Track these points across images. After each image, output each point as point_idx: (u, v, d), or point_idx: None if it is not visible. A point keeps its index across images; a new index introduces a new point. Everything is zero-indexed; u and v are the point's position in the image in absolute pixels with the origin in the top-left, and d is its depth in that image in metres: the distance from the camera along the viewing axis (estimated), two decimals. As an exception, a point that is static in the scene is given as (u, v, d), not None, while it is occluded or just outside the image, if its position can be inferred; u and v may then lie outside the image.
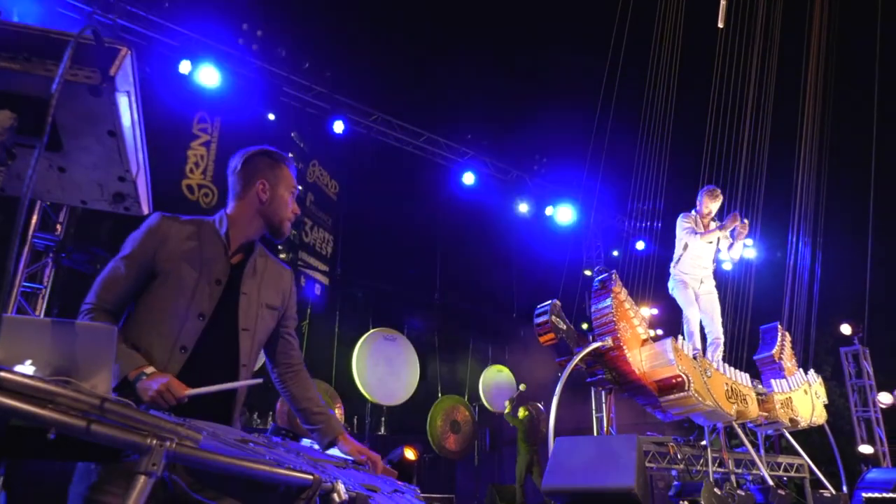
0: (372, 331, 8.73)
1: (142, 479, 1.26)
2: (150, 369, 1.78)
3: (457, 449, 9.71)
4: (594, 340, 5.16)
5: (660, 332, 6.23)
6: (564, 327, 5.06)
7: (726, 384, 5.41)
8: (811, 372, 6.47)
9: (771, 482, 5.20)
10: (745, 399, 5.46)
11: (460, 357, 10.31)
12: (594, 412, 9.53)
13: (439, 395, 9.62)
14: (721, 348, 6.31)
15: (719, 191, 6.36)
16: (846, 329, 9.42)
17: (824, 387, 6.65)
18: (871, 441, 8.99)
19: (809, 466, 5.98)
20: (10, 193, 1.27)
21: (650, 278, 7.55)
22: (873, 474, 6.54)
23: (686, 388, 4.88)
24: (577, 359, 4.91)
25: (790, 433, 6.13)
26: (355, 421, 8.75)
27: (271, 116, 8.54)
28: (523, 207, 10.94)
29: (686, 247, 6.21)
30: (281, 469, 1.55)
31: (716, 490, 4.40)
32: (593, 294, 5.33)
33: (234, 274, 2.03)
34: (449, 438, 9.55)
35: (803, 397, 6.09)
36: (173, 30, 7.77)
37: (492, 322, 10.87)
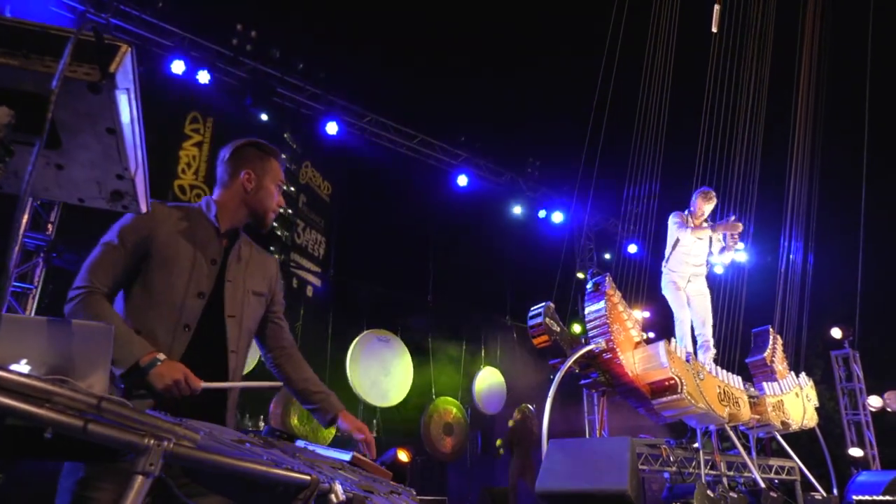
0: (365, 332, 8.71)
1: (139, 479, 1.25)
2: (162, 356, 1.77)
3: (450, 451, 9.71)
4: (587, 343, 5.17)
5: (651, 335, 6.25)
6: (558, 329, 5.07)
7: (719, 387, 5.43)
8: (802, 375, 6.50)
9: (763, 484, 5.22)
10: (737, 402, 5.48)
11: (453, 359, 10.30)
12: (586, 415, 9.54)
13: (433, 397, 9.61)
14: (712, 351, 6.34)
15: (713, 193, 6.38)
16: (836, 333, 9.48)
17: (815, 390, 6.69)
18: (860, 444, 9.05)
19: (800, 469, 6.01)
20: (7, 191, 1.26)
21: (642, 281, 7.57)
22: (863, 477, 6.59)
23: (679, 390, 4.90)
24: (570, 361, 4.92)
25: (781, 436, 6.16)
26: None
27: (264, 117, 8.52)
28: (516, 210, 10.95)
29: (676, 244, 6.22)
30: (279, 469, 1.54)
31: (708, 492, 4.41)
32: (587, 296, 5.34)
33: (225, 258, 2.04)
34: (442, 441, 9.53)
35: (794, 400, 6.12)
36: (167, 29, 7.74)
37: (484, 324, 10.87)
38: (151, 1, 7.55)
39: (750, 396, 5.75)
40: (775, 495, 5.04)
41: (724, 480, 5.28)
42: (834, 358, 9.56)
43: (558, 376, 4.92)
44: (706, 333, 6.08)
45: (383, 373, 8.60)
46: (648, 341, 5.50)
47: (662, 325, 7.40)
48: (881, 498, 5.98)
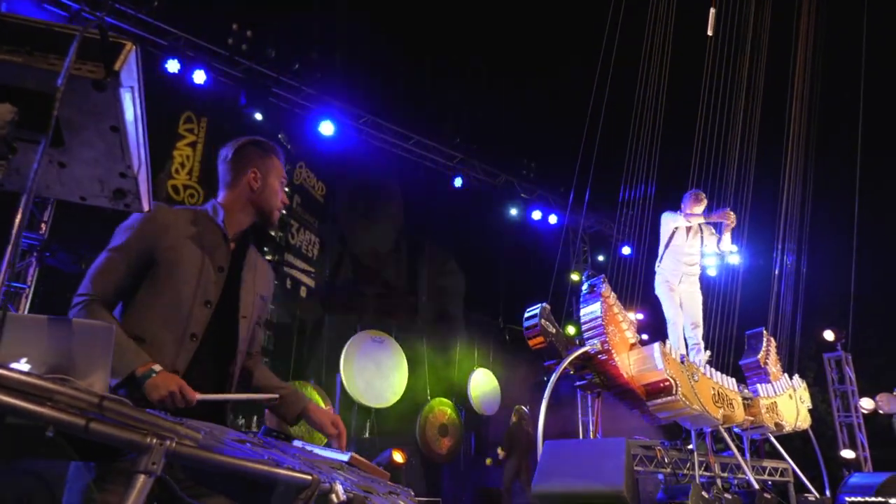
0: (359, 333, 8.69)
1: (141, 478, 1.24)
2: (158, 367, 1.75)
3: (445, 452, 9.70)
4: (582, 344, 5.19)
5: (644, 336, 6.27)
6: (553, 331, 5.08)
7: (713, 388, 5.45)
8: (796, 377, 6.53)
9: (756, 486, 5.25)
10: (731, 403, 5.51)
11: (448, 360, 10.30)
12: (580, 416, 9.55)
13: (428, 398, 9.61)
14: (704, 353, 6.37)
15: (704, 194, 6.42)
16: (829, 335, 9.54)
17: (808, 392, 6.73)
18: (852, 446, 9.10)
19: (794, 470, 6.04)
20: (9, 189, 1.25)
21: (636, 284, 7.59)
22: (855, 479, 6.63)
23: (674, 392, 4.92)
24: (566, 362, 4.93)
25: (775, 438, 6.19)
26: (341, 423, 8.67)
27: (259, 117, 8.50)
28: (511, 211, 10.97)
29: (670, 240, 6.24)
30: (280, 469, 1.54)
31: (703, 493, 4.43)
32: (582, 298, 5.36)
33: (233, 262, 2.03)
34: (437, 442, 9.53)
35: (788, 402, 6.15)
36: (162, 28, 7.72)
37: (478, 325, 10.88)
38: (147, 0, 7.53)
39: (744, 398, 5.77)
40: (769, 496, 5.06)
41: (718, 482, 5.30)
42: (827, 360, 9.61)
43: (553, 377, 4.93)
44: (697, 336, 6.11)
45: (378, 374, 8.59)
46: (643, 343, 5.51)
47: (656, 328, 7.42)
48: (873, 499, 6.02)
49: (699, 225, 6.50)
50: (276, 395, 2.05)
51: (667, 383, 4.94)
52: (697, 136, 6.51)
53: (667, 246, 6.26)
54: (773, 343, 6.65)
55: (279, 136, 8.77)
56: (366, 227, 10.00)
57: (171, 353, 1.84)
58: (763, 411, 5.77)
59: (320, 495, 1.59)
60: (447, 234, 10.31)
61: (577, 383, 5.31)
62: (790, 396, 6.21)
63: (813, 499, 5.95)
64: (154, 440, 1.27)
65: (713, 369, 5.76)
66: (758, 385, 6.04)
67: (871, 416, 9.26)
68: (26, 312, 5.88)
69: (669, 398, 4.96)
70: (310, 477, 1.55)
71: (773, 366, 6.44)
